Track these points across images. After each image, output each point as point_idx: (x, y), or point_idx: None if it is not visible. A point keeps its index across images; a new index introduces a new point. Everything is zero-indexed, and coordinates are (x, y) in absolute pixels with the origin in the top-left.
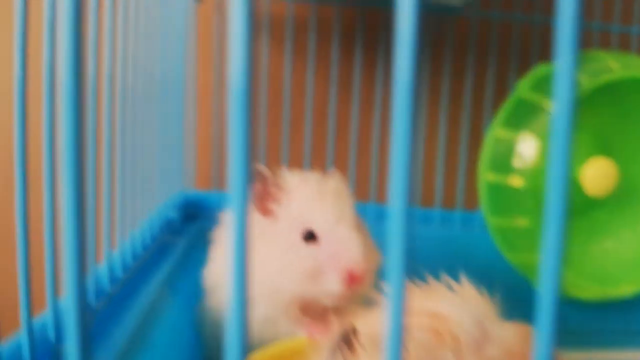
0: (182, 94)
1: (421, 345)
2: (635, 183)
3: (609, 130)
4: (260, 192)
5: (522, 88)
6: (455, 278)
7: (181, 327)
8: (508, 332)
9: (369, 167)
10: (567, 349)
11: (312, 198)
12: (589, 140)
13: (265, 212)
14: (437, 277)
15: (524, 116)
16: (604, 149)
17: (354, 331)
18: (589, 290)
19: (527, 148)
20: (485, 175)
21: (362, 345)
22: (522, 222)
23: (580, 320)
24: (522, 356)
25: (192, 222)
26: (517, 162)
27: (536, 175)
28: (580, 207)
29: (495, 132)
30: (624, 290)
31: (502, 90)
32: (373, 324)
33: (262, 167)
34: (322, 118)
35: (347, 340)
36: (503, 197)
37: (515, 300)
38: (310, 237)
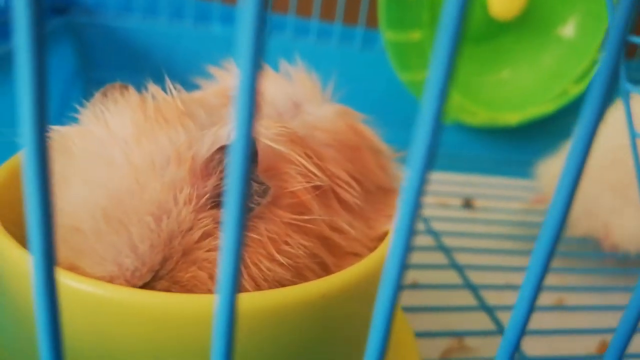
0: None
1: (200, 104)
2: (543, 8)
3: None
4: None
5: None
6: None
7: None
8: (324, 111)
9: None
10: (444, 171)
11: None
12: None
13: None
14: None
15: None
16: None
17: (122, 87)
18: (478, 116)
19: None
20: None
21: (115, 99)
22: (415, 35)
23: (465, 145)
24: (328, 131)
25: (57, 15)
26: None
27: None
28: (484, 33)
29: None
30: (510, 117)
31: None
32: None
33: None
34: None
35: (106, 92)
36: (401, 9)
37: (404, 122)
38: None
